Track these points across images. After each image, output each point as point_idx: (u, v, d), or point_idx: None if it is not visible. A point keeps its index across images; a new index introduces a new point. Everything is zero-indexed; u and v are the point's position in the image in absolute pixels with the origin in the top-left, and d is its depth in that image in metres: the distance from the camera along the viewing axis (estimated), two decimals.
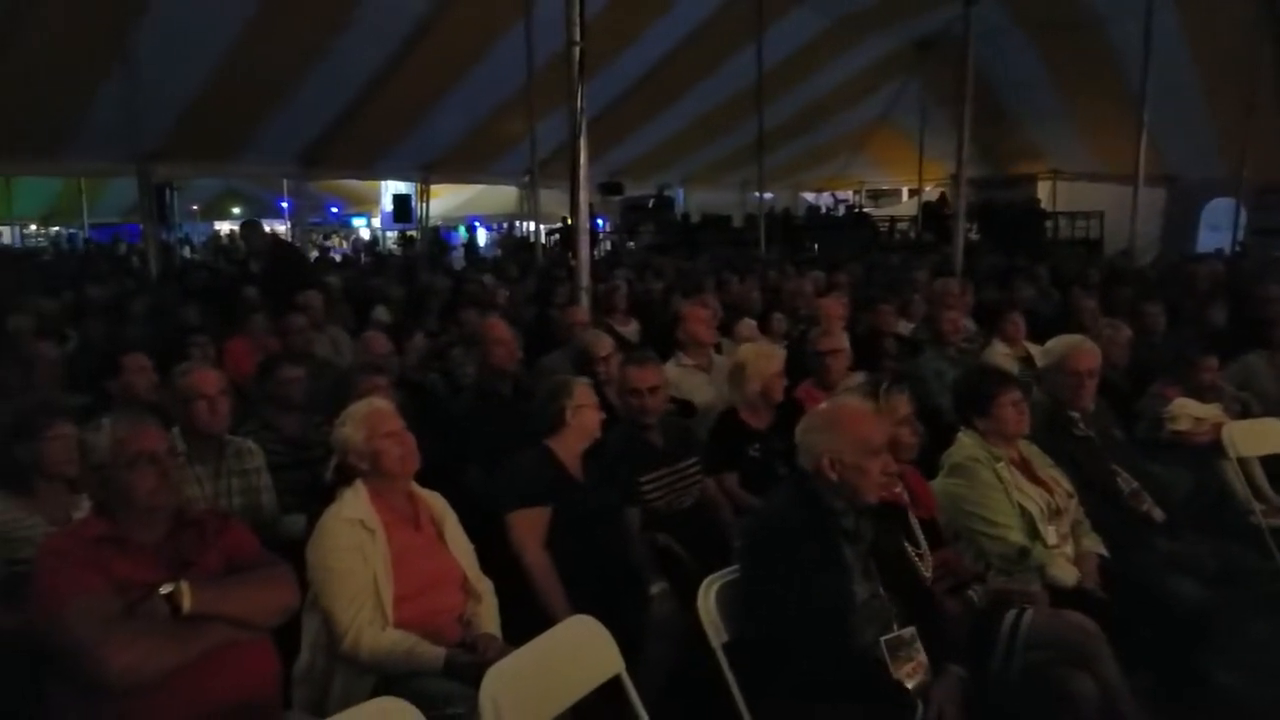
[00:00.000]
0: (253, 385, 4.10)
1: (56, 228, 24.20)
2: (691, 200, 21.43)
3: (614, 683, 2.26)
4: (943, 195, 19.02)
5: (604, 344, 4.26)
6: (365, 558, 2.44)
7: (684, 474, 3.49)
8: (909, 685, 2.32)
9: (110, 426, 2.24)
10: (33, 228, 24.39)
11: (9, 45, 9.89)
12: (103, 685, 1.95)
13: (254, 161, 14.13)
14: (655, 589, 2.92)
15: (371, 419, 2.61)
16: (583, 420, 3.22)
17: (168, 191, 13.03)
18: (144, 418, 2.35)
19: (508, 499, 3.04)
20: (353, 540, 2.46)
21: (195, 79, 11.18)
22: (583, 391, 3.26)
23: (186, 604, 2.05)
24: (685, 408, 4.30)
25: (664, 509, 3.38)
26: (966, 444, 3.26)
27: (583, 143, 5.46)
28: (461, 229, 25.11)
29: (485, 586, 2.69)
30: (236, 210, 25.46)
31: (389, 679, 2.32)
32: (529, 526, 3.00)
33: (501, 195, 21.09)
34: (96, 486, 2.25)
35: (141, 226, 11.21)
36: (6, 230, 23.69)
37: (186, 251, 18.31)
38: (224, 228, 26.10)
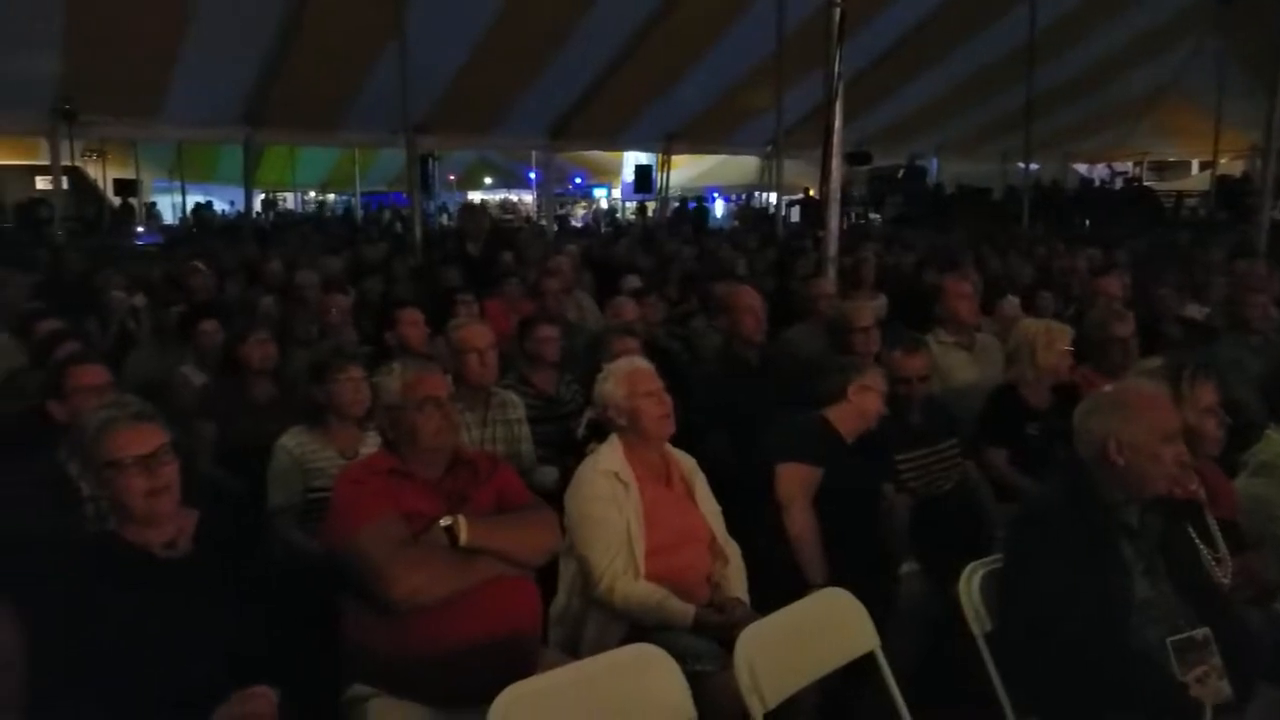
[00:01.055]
0: (509, 343, 4.40)
1: (332, 195, 27.21)
2: (945, 170, 20.42)
3: (862, 660, 2.25)
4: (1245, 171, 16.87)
5: (864, 314, 4.20)
6: (619, 509, 2.58)
7: (943, 455, 3.41)
8: (1199, 691, 2.12)
9: (400, 371, 2.50)
10: (312, 194, 27.59)
11: (298, 29, 11.21)
12: (390, 603, 2.19)
13: (507, 134, 15.10)
14: (905, 568, 2.86)
15: (633, 377, 2.73)
16: (864, 401, 3.20)
17: (430, 162, 14.16)
18: (430, 365, 2.60)
19: (781, 451, 3.08)
20: (608, 491, 2.60)
21: (458, 56, 12.13)
22: (875, 376, 3.26)
23: (463, 536, 2.25)
24: None
25: (920, 490, 3.30)
26: (1277, 442, 2.94)
27: (838, 108, 5.36)
28: (696, 200, 25.52)
29: (733, 549, 2.76)
30: (488, 180, 27.46)
31: (639, 628, 2.44)
32: (799, 481, 3.02)
33: (740, 166, 21.16)
34: (387, 425, 2.51)
35: (407, 194, 12.28)
36: (291, 196, 26.94)
37: (444, 219, 19.92)
38: (476, 197, 28.25)
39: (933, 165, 20.04)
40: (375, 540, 2.22)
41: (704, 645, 2.36)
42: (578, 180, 28.37)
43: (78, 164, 14.37)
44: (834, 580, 2.41)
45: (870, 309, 4.42)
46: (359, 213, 21.12)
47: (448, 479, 2.44)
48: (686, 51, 13.04)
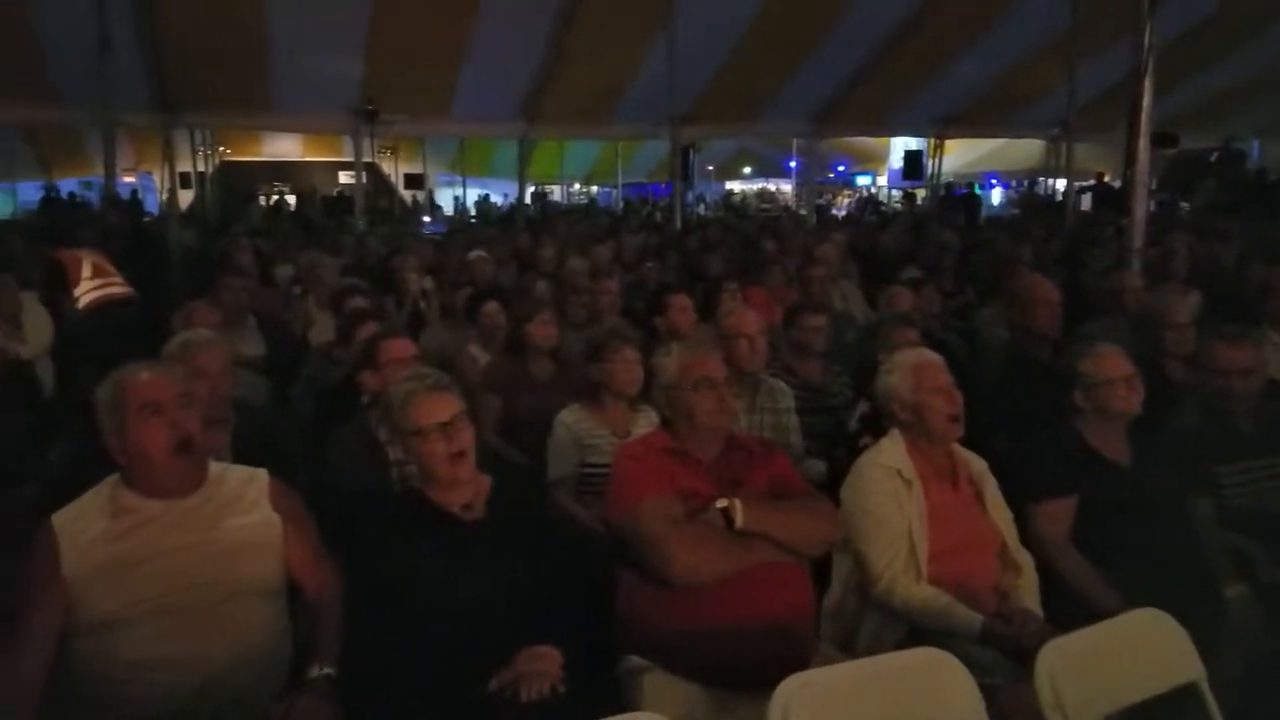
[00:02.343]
0: (774, 331, 4.41)
1: (594, 186, 28.60)
2: (1269, 153, 17.95)
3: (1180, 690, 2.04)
4: None
5: (1180, 309, 3.80)
6: (901, 507, 2.51)
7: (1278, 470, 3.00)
8: None
9: (678, 354, 2.59)
10: (576, 186, 29.14)
11: (572, 28, 11.85)
12: (666, 578, 2.27)
13: (769, 122, 15.11)
14: (1232, 592, 2.56)
15: (920, 370, 2.65)
16: (1106, 397, 2.90)
17: (690, 153, 14.48)
18: (706, 348, 2.67)
19: (1032, 487, 2.88)
20: (889, 487, 2.54)
21: (724, 45, 12.30)
22: (1108, 362, 2.94)
23: (739, 519, 2.29)
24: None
25: (1248, 507, 2.94)
26: None
27: (1147, 84, 4.90)
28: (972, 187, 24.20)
29: (1025, 559, 2.60)
30: (747, 170, 27.66)
31: (918, 632, 2.36)
32: (1053, 519, 2.82)
33: (1021, 150, 19.82)
34: (664, 404, 2.61)
35: (670, 185, 12.66)
36: (558, 189, 28.58)
37: (700, 209, 20.38)
38: (735, 186, 28.55)
39: (1254, 148, 17.70)
40: (654, 516, 2.31)
41: (992, 657, 2.25)
42: (840, 168, 27.86)
43: (374, 160, 16.03)
44: (1140, 602, 2.19)
45: (1186, 304, 3.99)
46: (619, 204, 22.03)
47: (722, 461, 2.50)
48: (965, 28, 12.40)
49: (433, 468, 2.34)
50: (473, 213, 22.85)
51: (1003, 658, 2.27)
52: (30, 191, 20.98)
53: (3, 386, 5.51)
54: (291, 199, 21.50)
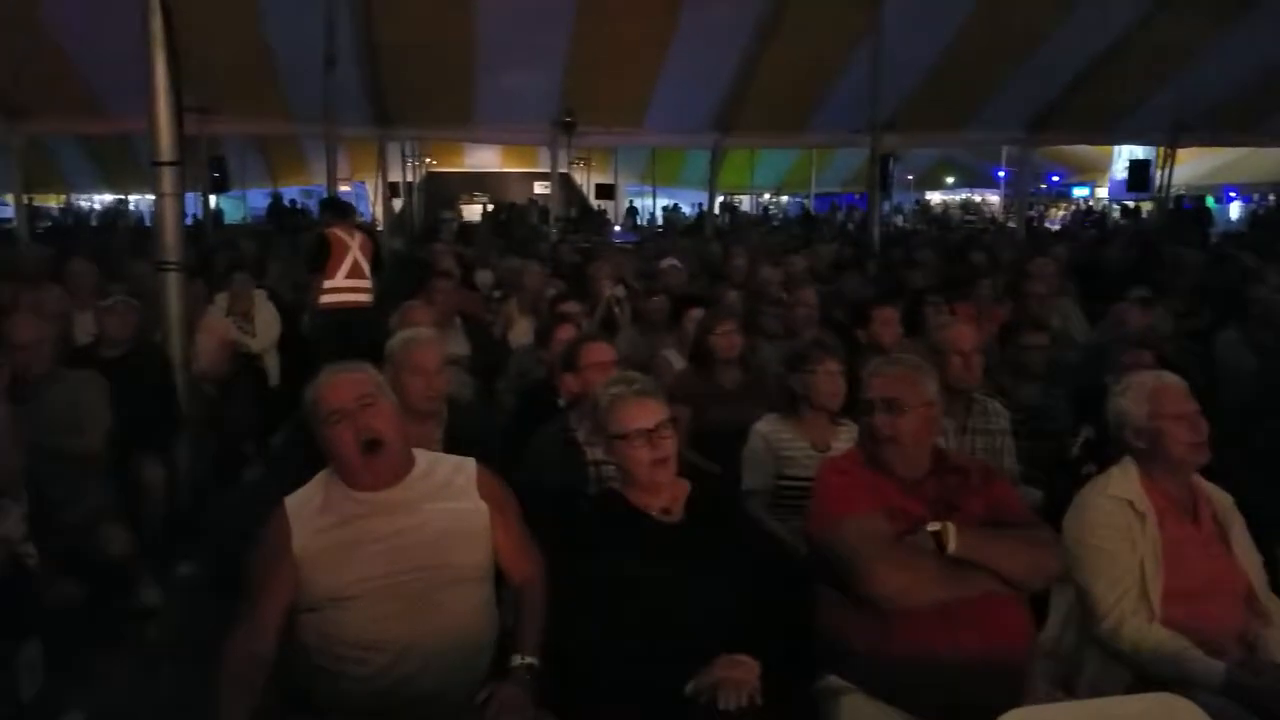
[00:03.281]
0: (989, 350, 4.24)
1: (785, 196, 28.45)
2: None
3: None
4: None
5: None
6: (1132, 542, 2.36)
7: None
8: None
9: (871, 371, 2.54)
10: (766, 196, 29.09)
11: (773, 37, 11.86)
12: (871, 599, 2.23)
13: (978, 129, 14.54)
14: None
15: (1159, 394, 2.48)
16: None
17: (889, 161, 14.14)
18: (920, 366, 2.60)
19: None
20: (1120, 520, 2.39)
21: (931, 50, 11.95)
22: None
23: (952, 544, 2.22)
24: None
25: None
26: None
27: None
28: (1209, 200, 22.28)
29: (1277, 607, 2.37)
30: (950, 180, 26.67)
31: (1147, 677, 2.21)
32: None
33: (1270, 159, 18.08)
34: (862, 420, 2.57)
35: (866, 195, 12.43)
36: (746, 199, 28.64)
37: (898, 220, 19.85)
38: (936, 197, 27.57)
39: None
40: (859, 533, 2.28)
41: (1235, 711, 2.07)
42: (1054, 178, 26.35)
43: (566, 170, 16.65)
44: None
45: None
46: (813, 213, 21.86)
47: (933, 483, 2.42)
48: (1204, 26, 11.45)
49: (635, 472, 2.41)
50: (660, 222, 23.30)
51: (1245, 714, 2.08)
52: (258, 198, 23.20)
53: (236, 378, 6.14)
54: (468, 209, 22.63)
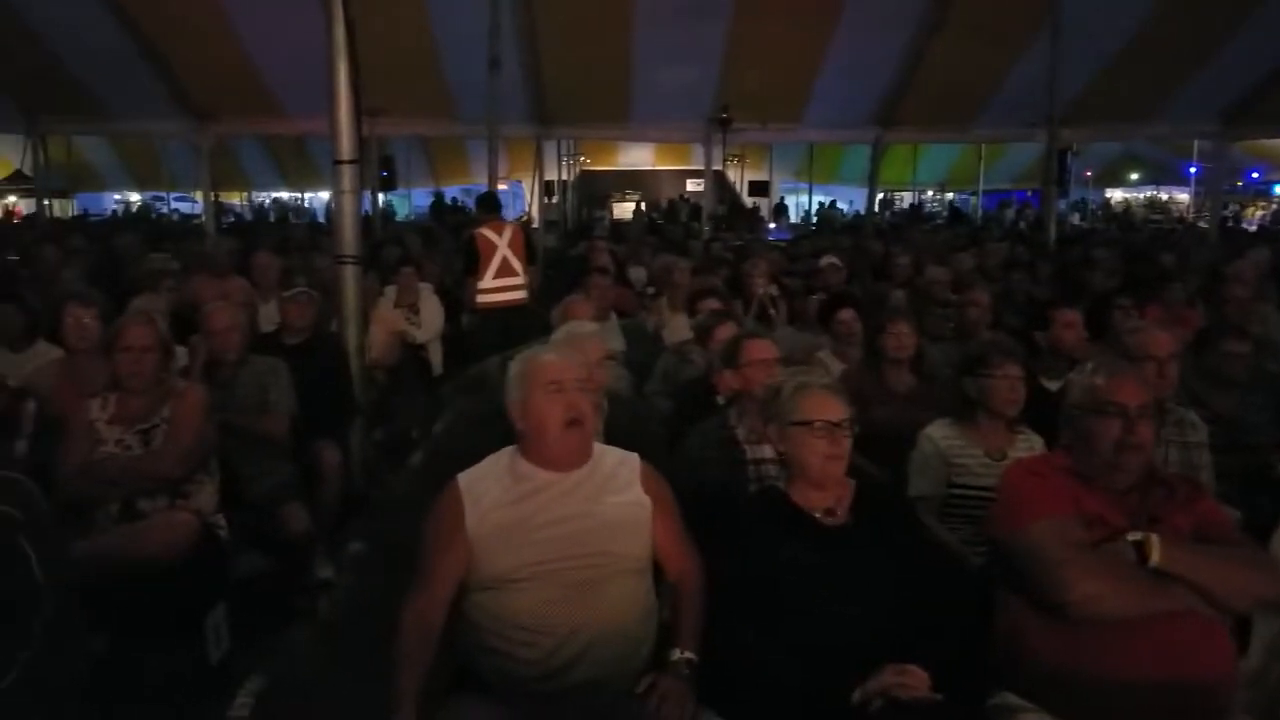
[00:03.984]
0: (1183, 358, 3.97)
1: (950, 194, 27.45)
2: None
3: None
4: None
5: None
6: None
7: None
8: None
9: (1091, 371, 2.42)
10: (929, 193, 28.15)
11: (942, 27, 11.47)
12: (1059, 606, 2.13)
13: (1166, 123, 13.67)
14: None
15: None
16: None
17: (1067, 156, 13.47)
18: (1128, 369, 2.47)
19: None
20: None
21: (1115, 38, 11.29)
22: None
23: (1154, 557, 2.09)
24: None
25: None
26: None
27: None
28: None
29: None
30: (1134, 176, 25.05)
31: None
32: None
33: None
34: (1063, 424, 2.45)
35: (1031, 193, 11.87)
36: (908, 195, 27.83)
37: (1075, 218, 18.83)
38: (1117, 194, 25.98)
39: None
40: (1051, 536, 2.19)
41: None
42: (1254, 175, 24.33)
43: (719, 168, 16.65)
44: None
45: None
46: (979, 211, 21.04)
47: (1136, 494, 2.30)
48: None
49: (808, 463, 2.39)
50: (815, 220, 22.98)
51: None
52: (420, 197, 24.31)
53: (403, 367, 6.47)
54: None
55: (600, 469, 2.48)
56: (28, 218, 19.02)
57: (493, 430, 2.72)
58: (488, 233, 7.52)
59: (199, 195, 19.77)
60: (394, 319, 6.46)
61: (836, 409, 2.40)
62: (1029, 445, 3.22)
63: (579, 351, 2.98)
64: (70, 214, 21.27)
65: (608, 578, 2.35)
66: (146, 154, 21.31)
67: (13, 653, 2.25)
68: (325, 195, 24.41)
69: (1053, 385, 3.77)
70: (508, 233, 7.59)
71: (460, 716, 2.26)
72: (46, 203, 16.87)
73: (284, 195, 26.72)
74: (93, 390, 3.57)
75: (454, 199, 22.98)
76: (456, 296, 7.90)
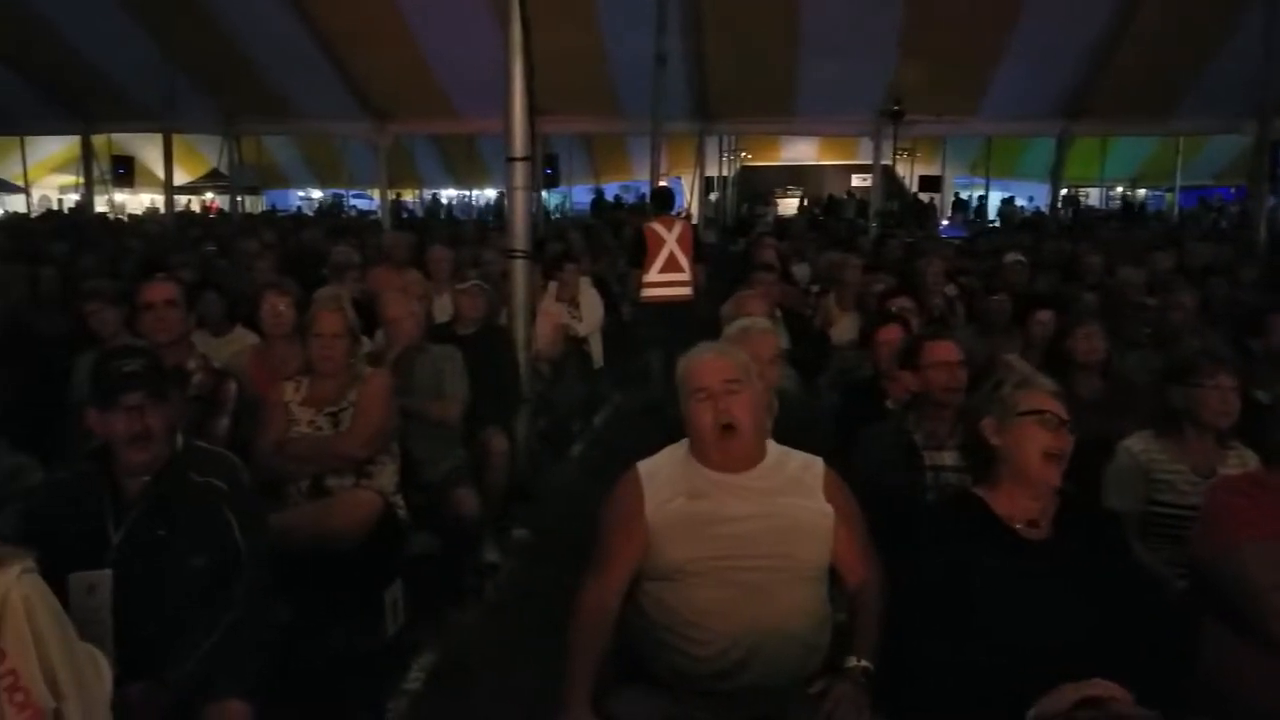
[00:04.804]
0: None
1: (1143, 190, 25.68)
2: None
3: None
4: None
5: None
6: None
7: None
8: None
9: None
10: (1118, 190, 26.40)
11: (1134, 13, 10.77)
12: (1268, 636, 1.98)
13: None
14: None
15: None
16: None
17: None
18: None
19: None
20: None
21: None
22: None
23: None
24: None
25: None
26: None
27: None
28: None
29: None
30: None
31: None
32: None
33: None
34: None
35: (1235, 190, 10.97)
36: (1095, 192, 26.25)
37: None
38: None
39: None
40: (1260, 562, 2.05)
41: None
42: None
43: (888, 162, 16.21)
44: None
45: None
46: (1174, 209, 19.65)
47: None
48: None
49: (1028, 459, 2.26)
50: (992, 217, 22.06)
51: None
52: (580, 194, 24.83)
53: (565, 360, 6.63)
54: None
55: (782, 471, 2.46)
56: (222, 213, 20.60)
57: (652, 424, 2.75)
58: (657, 227, 7.62)
59: (375, 192, 20.93)
60: (558, 313, 6.62)
61: (1061, 409, 2.30)
62: (1240, 462, 2.98)
63: (749, 347, 2.97)
64: (259, 210, 22.88)
65: (783, 581, 2.33)
66: (328, 153, 22.66)
67: (218, 614, 2.44)
68: (491, 193, 25.34)
69: (1267, 397, 3.48)
70: (677, 228, 7.68)
71: (631, 705, 2.29)
72: (239, 199, 18.21)
73: (452, 192, 27.85)
74: (286, 373, 3.83)
75: (617, 196, 23.34)
76: (616, 291, 8.03)
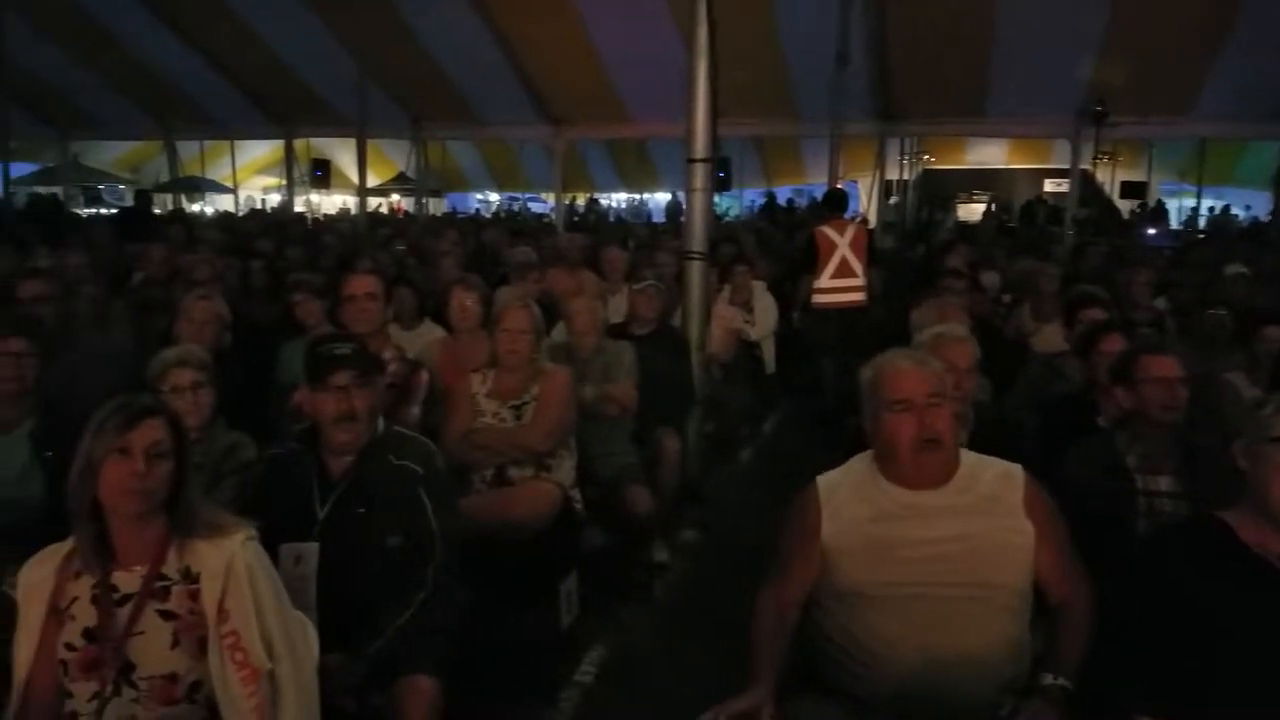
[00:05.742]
0: None
1: None
2: None
3: None
4: None
5: None
6: None
7: None
8: None
9: None
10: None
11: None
12: None
13: None
14: None
15: None
16: None
17: None
18: None
19: None
20: None
21: None
22: None
23: None
24: None
25: None
26: None
27: None
28: None
29: None
30: None
31: None
32: None
33: None
34: None
35: None
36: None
37: None
38: None
39: None
40: None
41: None
42: None
43: (1087, 167, 15.34)
44: None
45: None
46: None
47: None
48: None
49: (1269, 488, 2.05)
50: (1202, 226, 20.48)
51: None
52: (750, 198, 24.68)
53: (737, 364, 6.61)
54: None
55: (975, 487, 2.34)
56: (407, 214, 21.72)
57: (824, 434, 2.69)
58: (829, 231, 7.46)
59: (548, 196, 21.54)
60: (732, 316, 6.61)
61: None
62: None
63: (942, 358, 2.86)
64: (440, 211, 23.98)
65: (977, 611, 2.24)
66: (506, 157, 23.53)
67: (411, 593, 2.57)
68: (660, 197, 25.60)
69: None
70: (850, 232, 7.50)
71: (812, 712, 2.25)
72: (423, 201, 19.17)
73: (621, 196, 28.31)
74: (471, 366, 3.99)
75: (789, 200, 23.07)
76: (789, 296, 7.94)
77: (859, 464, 2.45)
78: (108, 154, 22.51)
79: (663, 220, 21.00)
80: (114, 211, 17.49)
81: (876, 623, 2.25)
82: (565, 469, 3.76)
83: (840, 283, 7.40)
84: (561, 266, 7.08)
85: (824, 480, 2.45)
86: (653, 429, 4.70)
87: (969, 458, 2.42)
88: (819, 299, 7.44)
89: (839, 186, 10.40)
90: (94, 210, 19.97)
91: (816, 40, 11.06)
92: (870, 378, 2.41)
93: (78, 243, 7.74)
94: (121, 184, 22.96)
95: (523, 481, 3.63)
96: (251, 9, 12.99)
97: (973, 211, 21.39)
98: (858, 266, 7.40)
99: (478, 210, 26.50)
